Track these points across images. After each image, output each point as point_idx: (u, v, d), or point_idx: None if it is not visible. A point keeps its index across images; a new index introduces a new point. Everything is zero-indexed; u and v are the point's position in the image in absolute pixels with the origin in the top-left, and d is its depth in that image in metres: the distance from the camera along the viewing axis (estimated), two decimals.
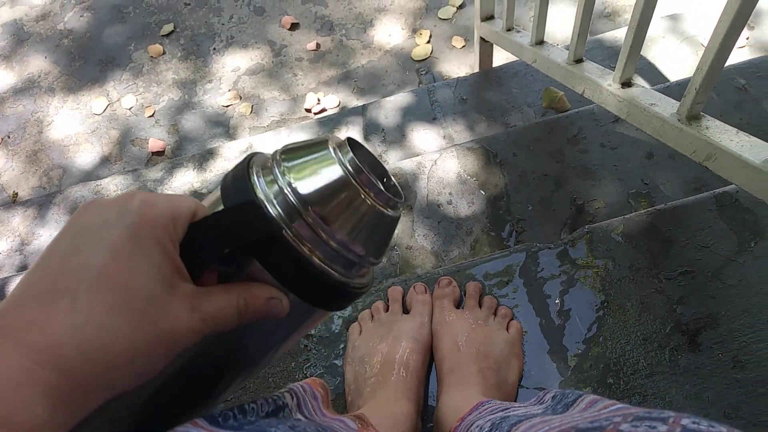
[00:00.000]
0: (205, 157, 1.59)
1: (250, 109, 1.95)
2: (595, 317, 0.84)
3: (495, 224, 1.15)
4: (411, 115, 1.57)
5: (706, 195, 0.93)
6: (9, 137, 2.05)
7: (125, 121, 2.02)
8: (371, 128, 1.57)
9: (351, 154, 0.37)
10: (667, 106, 0.86)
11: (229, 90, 2.00)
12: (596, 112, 1.27)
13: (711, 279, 0.84)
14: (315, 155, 0.37)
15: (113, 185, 1.58)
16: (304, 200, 0.35)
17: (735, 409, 0.75)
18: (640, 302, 0.84)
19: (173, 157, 1.89)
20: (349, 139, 0.39)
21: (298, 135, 1.56)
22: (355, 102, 1.91)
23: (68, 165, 1.96)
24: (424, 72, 1.93)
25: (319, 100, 1.92)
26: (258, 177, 0.36)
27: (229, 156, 1.57)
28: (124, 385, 0.29)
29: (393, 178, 0.42)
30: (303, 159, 0.37)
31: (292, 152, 0.38)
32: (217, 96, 2.00)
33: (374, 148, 1.53)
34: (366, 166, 0.38)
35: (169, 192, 1.52)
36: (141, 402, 0.38)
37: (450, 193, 1.20)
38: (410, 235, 1.16)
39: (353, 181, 0.36)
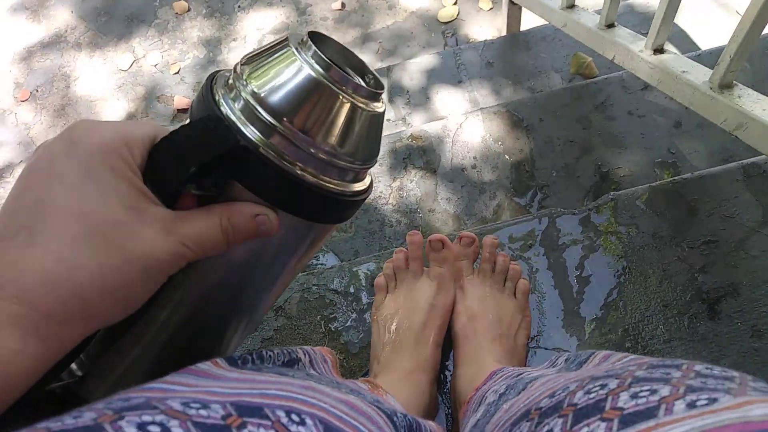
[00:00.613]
0: None
1: None
2: (616, 283, 0.86)
3: (519, 190, 1.16)
4: (436, 77, 1.57)
5: (734, 165, 0.92)
6: (37, 91, 2.08)
7: (151, 77, 2.03)
8: (396, 90, 1.56)
9: (314, 49, 0.33)
10: (699, 74, 0.85)
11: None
12: (625, 79, 1.26)
13: (734, 249, 0.85)
14: (277, 59, 0.33)
15: None
16: (269, 106, 0.32)
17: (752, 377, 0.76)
18: (662, 270, 0.85)
19: None
20: (312, 33, 0.35)
21: None
22: (379, 63, 1.90)
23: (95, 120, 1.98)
24: (450, 34, 1.91)
25: None
26: (221, 91, 0.34)
27: None
28: (105, 316, 0.29)
29: (372, 70, 0.38)
30: (264, 65, 0.34)
31: (252, 60, 0.34)
32: (241, 54, 2.00)
33: (398, 110, 1.53)
34: (338, 60, 0.35)
35: None
36: (150, 341, 0.38)
37: (474, 158, 1.21)
38: (433, 198, 1.17)
39: (322, 79, 0.32)
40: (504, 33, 1.65)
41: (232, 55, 2.01)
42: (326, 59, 0.33)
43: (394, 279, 0.87)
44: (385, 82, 1.57)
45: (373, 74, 0.38)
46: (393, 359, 0.78)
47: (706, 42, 1.53)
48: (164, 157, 0.31)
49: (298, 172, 0.33)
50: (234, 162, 0.32)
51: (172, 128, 0.33)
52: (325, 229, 0.39)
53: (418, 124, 1.50)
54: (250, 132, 0.32)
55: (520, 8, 1.59)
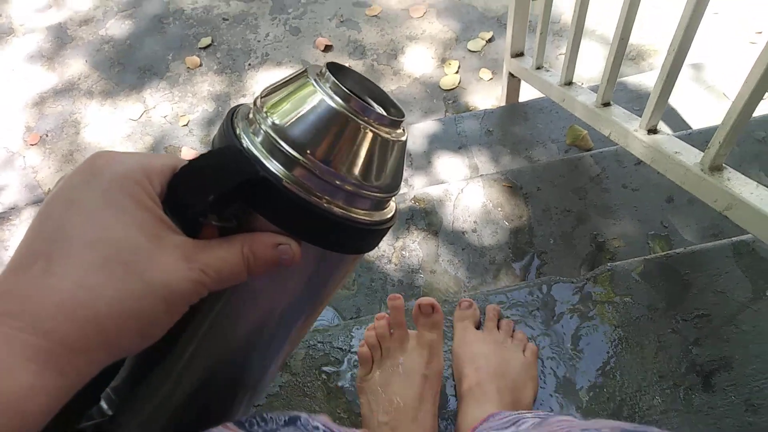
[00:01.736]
0: None
1: None
2: (613, 352, 0.88)
3: (517, 255, 1.20)
4: (438, 142, 1.63)
5: (725, 242, 0.97)
6: (47, 136, 2.12)
7: (160, 128, 2.09)
8: None
9: (333, 80, 0.33)
10: (691, 156, 0.91)
11: None
12: (620, 153, 1.32)
13: (726, 323, 0.88)
14: (295, 90, 0.33)
15: None
16: (289, 138, 0.32)
17: None
18: (657, 341, 0.88)
19: None
20: (330, 64, 0.35)
21: None
22: None
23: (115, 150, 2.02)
24: (451, 101, 1.99)
25: None
26: (242, 124, 0.34)
27: None
28: (124, 344, 0.28)
29: (393, 99, 0.37)
30: (283, 97, 0.34)
31: (272, 93, 0.34)
32: None
33: None
34: (358, 90, 0.35)
35: None
36: (178, 377, 0.38)
37: (475, 222, 1.25)
38: (435, 260, 1.20)
39: (342, 109, 0.32)
40: (503, 103, 1.73)
41: None
42: (345, 89, 0.33)
43: (378, 348, 0.86)
44: None
45: (394, 103, 0.37)
46: (394, 428, 0.78)
47: (695, 121, 1.61)
48: (184, 186, 0.31)
49: (319, 202, 0.33)
50: (254, 193, 0.32)
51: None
52: (347, 259, 0.38)
53: (419, 186, 1.55)
54: (271, 164, 0.32)
55: (520, 81, 1.67)
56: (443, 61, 2.08)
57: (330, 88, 0.33)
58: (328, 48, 2.17)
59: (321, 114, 0.32)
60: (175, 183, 0.31)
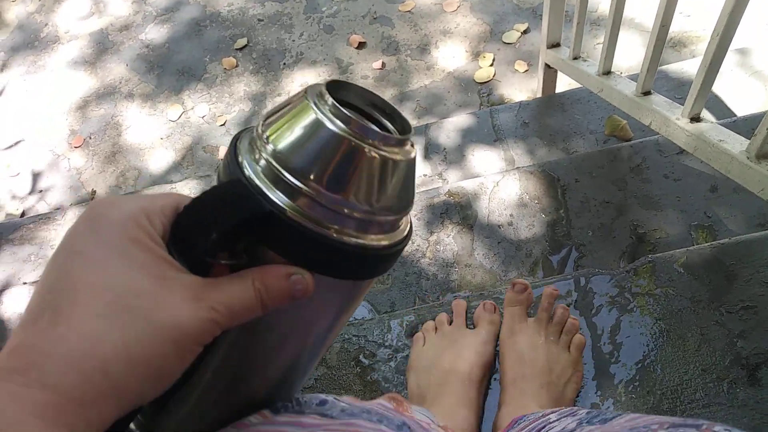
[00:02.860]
0: None
1: None
2: (654, 345, 0.86)
3: (555, 248, 1.18)
4: (472, 136, 1.62)
5: None
6: (90, 138, 2.19)
7: (198, 128, 2.13)
8: (433, 148, 1.61)
9: (332, 102, 0.31)
10: (736, 144, 0.88)
11: None
12: (661, 142, 1.28)
13: None
14: (295, 116, 0.32)
15: (187, 188, 1.68)
16: (290, 166, 0.31)
17: None
18: (700, 333, 0.86)
19: None
20: (331, 83, 0.33)
21: None
22: (416, 121, 1.96)
23: (143, 167, 2.08)
24: (486, 94, 1.97)
25: None
26: (244, 153, 0.33)
27: None
28: (135, 392, 0.27)
29: (399, 111, 0.36)
30: (283, 122, 0.32)
31: (272, 118, 0.33)
32: None
33: (435, 166, 1.57)
34: (362, 105, 0.34)
35: None
36: (198, 403, 0.37)
37: (511, 215, 1.24)
38: (470, 253, 1.19)
39: (342, 133, 0.31)
40: (539, 94, 1.71)
41: None
42: (345, 112, 0.31)
43: (433, 331, 0.90)
44: (422, 139, 1.62)
45: (401, 116, 0.36)
46: (439, 396, 0.80)
47: (740, 108, 1.56)
48: (186, 225, 0.31)
49: (328, 233, 0.31)
50: (261, 227, 0.31)
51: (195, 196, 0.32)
52: (363, 283, 0.37)
53: (454, 180, 1.55)
54: (274, 195, 0.31)
55: (556, 72, 1.64)
56: (477, 54, 2.07)
57: (330, 110, 0.31)
58: (361, 45, 2.17)
59: (321, 139, 0.31)
60: (178, 223, 0.31)
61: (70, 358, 0.25)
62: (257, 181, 0.31)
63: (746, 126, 1.27)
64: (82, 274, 0.27)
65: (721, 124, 0.94)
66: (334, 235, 0.31)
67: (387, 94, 2.04)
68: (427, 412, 0.66)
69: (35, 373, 0.25)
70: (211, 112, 2.15)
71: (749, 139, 0.85)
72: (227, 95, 2.18)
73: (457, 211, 1.26)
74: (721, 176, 1.19)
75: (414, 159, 0.34)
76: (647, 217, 1.19)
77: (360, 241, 0.32)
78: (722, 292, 0.89)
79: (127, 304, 0.27)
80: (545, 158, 1.54)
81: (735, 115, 1.49)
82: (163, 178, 2.02)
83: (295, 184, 0.31)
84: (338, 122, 0.31)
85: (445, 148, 1.61)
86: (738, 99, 1.55)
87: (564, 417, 0.59)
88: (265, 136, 0.32)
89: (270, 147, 0.31)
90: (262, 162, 0.31)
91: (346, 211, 0.31)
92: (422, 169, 1.58)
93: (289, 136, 0.31)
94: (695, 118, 0.97)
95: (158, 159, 2.09)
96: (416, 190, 1.53)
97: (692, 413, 0.80)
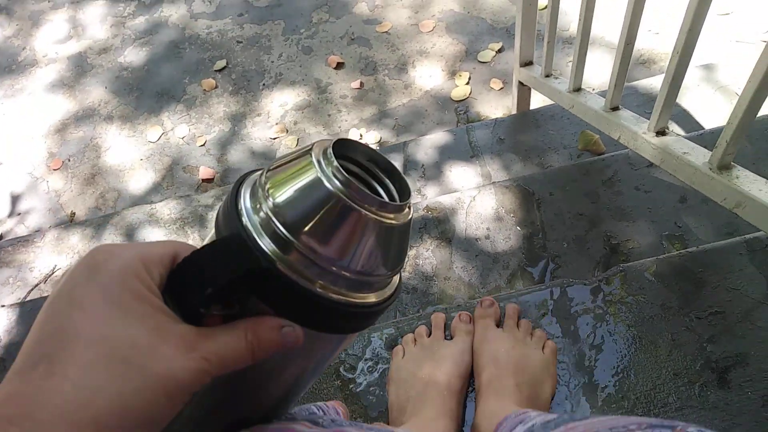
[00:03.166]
0: None
1: (296, 142, 2.05)
2: (627, 351, 0.89)
3: (531, 260, 1.21)
4: (449, 152, 1.65)
5: (738, 240, 0.97)
6: (69, 160, 2.19)
7: (178, 149, 2.14)
8: (411, 164, 1.64)
9: (336, 164, 0.32)
10: (699, 156, 0.91)
11: (277, 124, 2.11)
12: (631, 156, 1.32)
13: (741, 320, 0.88)
14: (299, 171, 0.33)
15: (167, 209, 1.68)
16: (291, 225, 0.31)
17: None
18: (671, 339, 0.88)
19: (222, 185, 1.99)
20: (338, 141, 0.34)
21: None
22: (395, 139, 1.99)
23: (123, 188, 2.08)
24: (462, 112, 2.01)
25: (361, 135, 2.01)
26: (245, 204, 0.33)
27: None
28: None
29: (400, 173, 0.37)
30: (287, 177, 0.33)
31: (276, 171, 0.34)
32: (264, 129, 2.11)
33: (413, 182, 1.60)
34: (364, 165, 0.35)
35: None
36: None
37: (488, 228, 1.26)
38: (448, 267, 1.21)
39: (342, 196, 0.31)
40: (514, 111, 1.75)
41: (256, 129, 2.11)
42: (346, 175, 0.32)
43: (413, 343, 0.92)
44: (400, 156, 1.65)
45: (401, 177, 0.37)
46: (419, 408, 0.82)
47: (709, 122, 1.61)
48: (183, 279, 0.31)
49: (320, 291, 0.32)
50: (256, 281, 0.31)
51: (191, 242, 0.35)
52: (351, 336, 0.38)
53: (432, 195, 1.57)
54: (270, 250, 0.31)
55: (530, 89, 1.68)
56: (453, 73, 2.11)
57: (332, 171, 0.32)
58: (340, 65, 2.21)
59: (320, 198, 0.32)
60: (175, 275, 0.32)
61: (65, 410, 0.26)
62: (255, 236, 0.32)
63: (712, 139, 1.31)
64: (80, 325, 0.28)
65: (687, 138, 0.98)
66: (325, 293, 0.32)
67: (366, 113, 2.07)
68: None
69: (29, 424, 0.25)
70: (191, 133, 2.16)
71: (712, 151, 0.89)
72: (207, 116, 2.19)
73: (436, 225, 1.28)
74: (690, 187, 1.23)
75: (409, 221, 0.35)
76: (620, 228, 1.23)
77: (350, 299, 0.34)
78: (691, 299, 0.92)
79: (122, 356, 0.27)
80: (521, 173, 1.57)
81: (703, 129, 1.54)
82: (143, 199, 2.02)
83: (291, 241, 0.31)
84: (338, 183, 0.31)
85: (423, 165, 1.63)
86: (704, 113, 1.61)
87: (544, 414, 0.61)
88: (267, 188, 0.33)
89: (270, 200, 0.32)
90: (262, 214, 0.32)
91: (338, 270, 0.32)
92: None
93: (289, 191, 0.32)
94: (661, 132, 1.00)
95: (138, 180, 2.09)
96: None
97: (666, 417, 0.82)
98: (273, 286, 0.32)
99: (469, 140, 1.66)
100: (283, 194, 0.32)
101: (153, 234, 1.62)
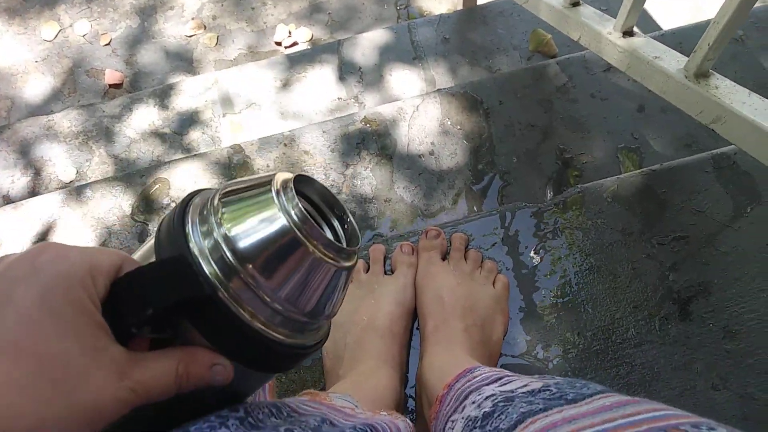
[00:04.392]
0: (166, 93, 1.47)
1: (215, 41, 1.81)
2: (584, 282, 0.81)
3: (478, 177, 1.10)
4: (390, 53, 1.48)
5: (704, 156, 0.88)
6: None
7: (79, 49, 1.86)
8: (347, 67, 1.47)
9: (296, 200, 0.32)
10: (672, 61, 0.80)
11: (192, 18, 1.85)
12: (588, 59, 1.20)
13: (705, 245, 0.81)
14: (256, 200, 0.32)
15: (67, 121, 1.46)
16: (241, 255, 0.31)
17: (723, 380, 0.74)
18: (632, 268, 0.81)
19: (132, 90, 1.76)
20: (298, 177, 0.35)
21: (267, 72, 1.45)
22: (328, 36, 1.79)
23: (16, 96, 1.81)
24: (403, 6, 1.82)
25: (290, 32, 1.80)
26: (193, 226, 0.32)
27: (192, 92, 1.46)
28: None
29: (350, 215, 0.37)
30: (243, 205, 0.32)
31: (231, 195, 0.33)
32: (179, 25, 1.85)
33: (350, 88, 1.44)
34: (318, 205, 0.35)
35: (129, 131, 1.42)
36: None
37: (432, 143, 1.14)
38: (389, 187, 1.09)
39: (298, 233, 0.31)
40: (460, 7, 1.57)
41: (169, 25, 1.85)
42: (304, 212, 0.32)
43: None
44: (335, 58, 1.47)
45: (352, 223, 0.37)
46: (358, 357, 0.72)
47: (669, 22, 1.49)
48: (124, 296, 0.30)
49: (258, 326, 0.32)
50: (195, 307, 0.31)
51: (139, 253, 0.33)
52: (272, 376, 0.39)
53: (371, 104, 1.42)
54: (215, 277, 0.31)
55: None
56: None
57: (291, 207, 0.32)
58: None
59: (276, 233, 0.31)
60: (117, 291, 0.30)
61: None
62: (202, 262, 0.31)
63: (674, 40, 1.21)
64: (13, 332, 0.26)
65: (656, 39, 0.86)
66: (263, 329, 0.32)
67: (296, 6, 1.84)
68: (348, 397, 0.57)
69: None
70: (93, 30, 1.88)
71: (685, 55, 0.78)
72: (111, 9, 1.90)
73: (375, 140, 1.14)
74: (649, 95, 1.13)
75: (352, 267, 0.35)
76: (573, 140, 1.13)
77: (284, 339, 0.33)
78: (653, 222, 0.84)
79: (52, 377, 0.26)
80: (468, 78, 1.43)
81: (662, 29, 1.43)
82: (42, 109, 1.76)
83: (238, 270, 0.31)
84: (295, 219, 0.32)
85: (360, 68, 1.46)
86: (664, 14, 1.49)
87: (528, 379, 0.51)
88: (220, 214, 0.32)
89: (222, 228, 0.32)
90: (211, 240, 0.32)
91: (278, 306, 0.32)
92: (336, 92, 1.43)
93: (244, 220, 0.32)
94: (628, 32, 0.88)
95: (34, 86, 1.81)
96: (331, 116, 1.40)
97: (624, 353, 0.76)
98: (212, 315, 0.31)
99: (411, 39, 1.49)
100: (237, 223, 0.32)
101: (52, 150, 1.41)
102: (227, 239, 0.31)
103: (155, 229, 0.34)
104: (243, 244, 0.31)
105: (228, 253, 0.31)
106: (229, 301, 0.31)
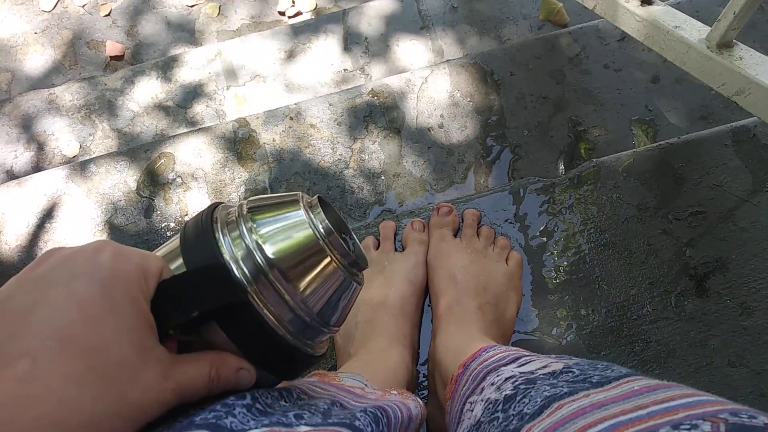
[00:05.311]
0: (169, 65, 1.44)
1: (217, 11, 1.77)
2: (599, 258, 0.80)
3: (489, 151, 1.08)
4: (397, 23, 1.44)
5: (723, 129, 0.86)
6: None
7: (78, 20, 1.82)
8: (352, 37, 1.43)
9: (322, 215, 0.36)
10: (694, 31, 0.77)
11: None
12: (601, 28, 1.17)
13: (723, 220, 0.80)
14: (284, 214, 0.36)
15: (69, 94, 1.44)
16: (274, 263, 0.34)
17: (740, 357, 0.73)
18: (647, 244, 0.80)
19: (133, 63, 1.73)
20: (319, 198, 0.38)
21: (271, 43, 1.42)
22: (332, 5, 1.75)
23: (16, 68, 1.78)
24: None
25: (293, 2, 1.75)
26: (223, 234, 0.34)
27: (195, 64, 1.43)
28: None
29: (356, 239, 0.41)
30: (271, 217, 0.36)
31: (259, 209, 0.36)
32: None
33: (356, 59, 1.40)
34: (334, 226, 0.38)
35: (132, 104, 1.39)
36: None
37: (441, 116, 1.11)
38: (397, 161, 1.07)
39: (323, 243, 0.35)
40: None
41: None
42: (330, 226, 0.36)
43: None
44: (340, 28, 1.43)
45: (358, 247, 0.41)
46: (369, 336, 0.71)
47: None
48: (172, 297, 0.31)
49: (285, 334, 0.34)
50: (228, 313, 0.32)
51: (163, 251, 0.35)
52: (277, 380, 0.40)
53: (378, 75, 1.39)
54: (249, 285, 0.33)
55: None
56: None
57: (319, 220, 0.36)
58: None
59: (304, 241, 0.35)
60: (164, 293, 0.31)
61: (43, 424, 0.24)
62: (235, 269, 0.33)
63: (690, 8, 1.17)
64: (74, 325, 0.26)
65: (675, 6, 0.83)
66: (286, 335, 0.34)
67: None
68: (358, 376, 0.56)
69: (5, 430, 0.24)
70: (93, 0, 1.83)
71: (708, 25, 0.75)
72: None
73: (383, 113, 1.12)
74: (664, 65, 1.11)
75: (361, 286, 0.40)
76: (586, 112, 1.10)
77: (302, 346, 0.36)
78: (670, 198, 0.82)
79: (107, 374, 0.26)
80: (476, 48, 1.40)
81: None
82: (42, 82, 1.73)
83: (268, 274, 0.33)
84: (321, 231, 0.36)
85: (366, 38, 1.43)
86: None
87: (548, 359, 0.50)
88: (250, 223, 0.35)
89: (254, 236, 0.34)
90: (242, 248, 0.34)
91: (300, 310, 0.35)
92: (342, 63, 1.40)
93: (274, 231, 0.35)
94: (647, 1, 0.85)
95: (34, 58, 1.78)
96: (336, 88, 1.37)
97: (639, 329, 0.75)
98: (243, 320, 0.33)
99: (419, 8, 1.45)
100: (268, 233, 0.35)
101: (54, 125, 1.39)
102: (260, 247, 0.34)
103: (180, 233, 0.36)
104: (275, 252, 0.34)
105: (261, 260, 0.33)
106: (260, 307, 0.33)
